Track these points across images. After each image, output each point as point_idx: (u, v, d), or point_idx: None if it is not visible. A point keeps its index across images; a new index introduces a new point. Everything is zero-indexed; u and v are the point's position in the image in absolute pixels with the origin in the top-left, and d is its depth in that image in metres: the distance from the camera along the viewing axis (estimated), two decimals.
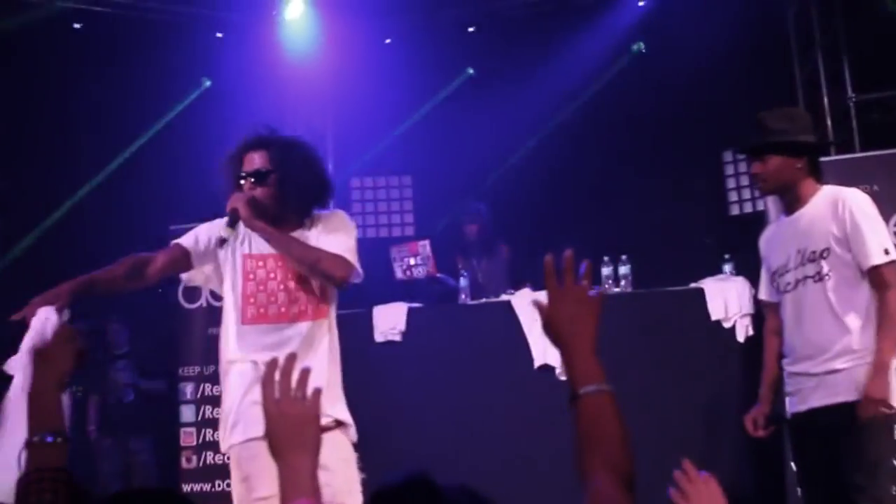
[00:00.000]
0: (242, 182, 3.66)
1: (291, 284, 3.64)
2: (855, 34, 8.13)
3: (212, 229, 3.75)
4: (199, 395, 7.50)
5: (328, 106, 10.14)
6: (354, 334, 6.79)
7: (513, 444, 6.40)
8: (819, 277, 4.01)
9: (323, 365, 3.61)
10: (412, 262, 7.40)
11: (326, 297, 3.71)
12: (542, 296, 6.62)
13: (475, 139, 9.87)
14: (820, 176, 4.19)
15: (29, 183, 8.96)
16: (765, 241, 4.39)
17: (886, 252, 3.96)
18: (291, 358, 1.98)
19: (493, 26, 9.46)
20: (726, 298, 6.24)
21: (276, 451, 1.89)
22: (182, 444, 7.47)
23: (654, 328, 6.44)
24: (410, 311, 6.82)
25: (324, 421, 3.47)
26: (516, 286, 7.10)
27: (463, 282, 7.10)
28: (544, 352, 6.40)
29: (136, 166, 9.24)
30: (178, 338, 7.69)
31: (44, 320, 3.24)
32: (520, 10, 9.32)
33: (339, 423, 3.67)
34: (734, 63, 8.86)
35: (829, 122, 8.19)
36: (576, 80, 9.32)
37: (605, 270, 6.62)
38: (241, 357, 3.64)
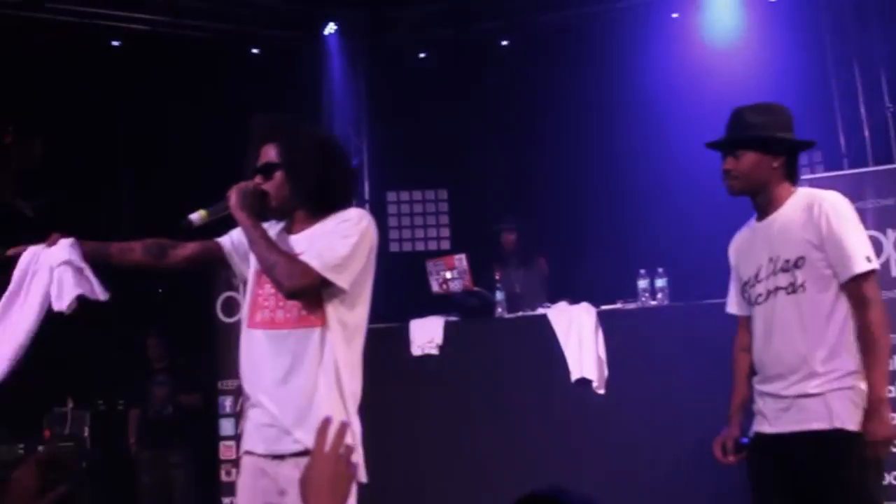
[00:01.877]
0: (255, 175, 3.43)
1: None
2: (891, 44, 8.07)
3: None
4: (238, 409, 7.55)
5: (363, 120, 10.21)
6: (391, 348, 6.83)
7: (549, 456, 6.39)
8: (792, 289, 3.64)
9: (309, 379, 3.29)
10: (448, 275, 7.41)
11: (319, 304, 3.32)
12: (579, 309, 6.55)
13: (511, 152, 9.90)
14: (796, 179, 3.82)
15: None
16: (735, 249, 4.02)
17: (868, 259, 3.56)
18: (345, 425, 2.03)
19: (527, 39, 9.50)
20: None
21: (308, 497, 1.96)
22: (221, 457, 7.53)
23: (692, 341, 6.39)
24: (447, 325, 6.84)
25: (293, 447, 3.27)
26: (553, 299, 7.10)
27: (499, 295, 7.10)
28: (581, 365, 6.40)
29: (163, 181, 9.26)
30: (217, 351, 7.74)
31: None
32: (553, 22, 9.38)
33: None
34: (771, 74, 8.83)
35: (866, 133, 8.15)
36: (611, 92, 9.30)
37: (642, 283, 6.60)
38: (242, 363, 3.48)
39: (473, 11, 9.32)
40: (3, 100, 8.63)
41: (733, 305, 4.05)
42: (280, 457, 3.32)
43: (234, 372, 7.53)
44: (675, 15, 9.15)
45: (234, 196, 3.32)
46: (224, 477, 7.48)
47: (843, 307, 3.59)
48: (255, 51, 9.47)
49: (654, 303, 6.59)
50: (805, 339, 3.59)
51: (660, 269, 6.63)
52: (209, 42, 9.24)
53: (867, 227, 6.11)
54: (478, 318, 7.23)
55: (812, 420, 3.56)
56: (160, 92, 8.99)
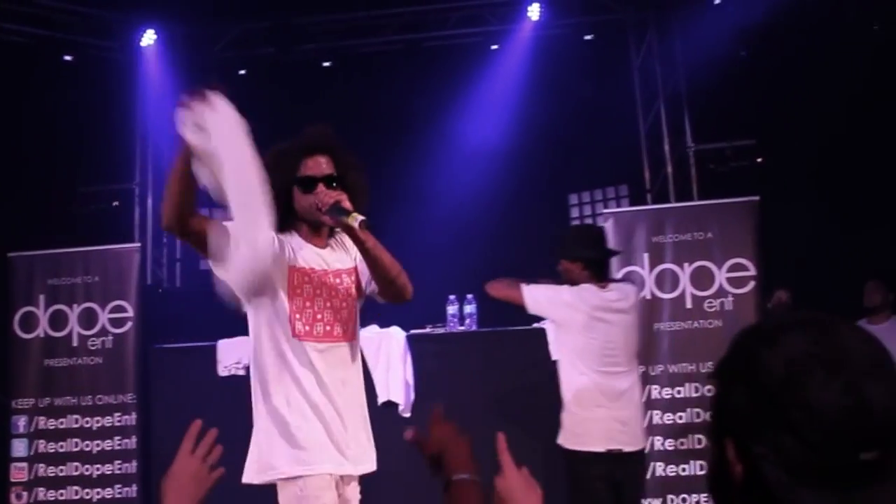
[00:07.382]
0: (314, 185, 3.42)
1: (337, 303, 3.48)
2: (695, 88, 8.48)
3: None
4: (32, 429, 7.24)
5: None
6: (200, 367, 6.73)
7: None
8: None
9: (362, 388, 3.57)
10: None
11: (357, 320, 3.60)
12: (388, 333, 6.56)
13: None
14: None
15: None
16: None
17: None
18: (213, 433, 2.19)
19: (349, 62, 9.54)
20: None
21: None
22: (12, 479, 7.19)
23: (497, 366, 6.55)
24: None
25: (367, 468, 3.55)
26: (363, 322, 7.12)
27: None
28: (388, 388, 6.44)
29: None
30: (11, 368, 7.40)
31: None
32: (375, 47, 9.47)
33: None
34: (583, 112, 9.14)
35: (669, 170, 8.54)
36: (426, 119, 9.44)
37: (451, 309, 6.71)
38: (296, 366, 3.37)
39: (296, 31, 9.28)
40: None
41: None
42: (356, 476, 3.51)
43: (29, 390, 7.26)
44: (494, 47, 9.35)
45: (347, 202, 3.33)
46: (14, 500, 7.16)
47: None
48: (68, 58, 9.14)
49: (461, 328, 6.71)
50: None
51: (469, 296, 6.75)
52: (21, 46, 8.88)
53: (666, 261, 6.43)
54: None
55: None
56: None
